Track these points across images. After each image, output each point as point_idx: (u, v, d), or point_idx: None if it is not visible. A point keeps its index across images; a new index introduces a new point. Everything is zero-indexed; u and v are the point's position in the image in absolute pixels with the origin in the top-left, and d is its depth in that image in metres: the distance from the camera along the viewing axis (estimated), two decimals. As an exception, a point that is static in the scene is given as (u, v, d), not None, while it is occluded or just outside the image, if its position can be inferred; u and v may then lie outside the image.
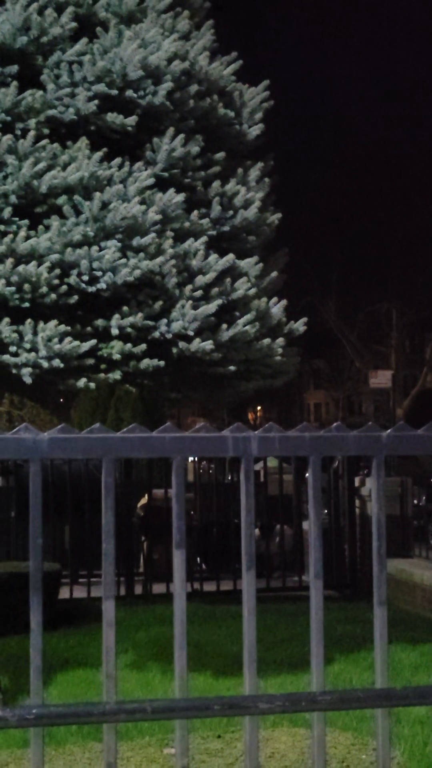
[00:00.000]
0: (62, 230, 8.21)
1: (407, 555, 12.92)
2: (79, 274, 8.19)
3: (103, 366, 8.32)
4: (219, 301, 8.49)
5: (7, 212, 8.22)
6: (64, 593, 11.97)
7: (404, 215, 37.83)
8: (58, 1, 8.80)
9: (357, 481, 13.48)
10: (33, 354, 7.98)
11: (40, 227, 8.31)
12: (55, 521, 12.63)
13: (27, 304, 8.11)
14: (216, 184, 9.06)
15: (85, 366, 8.22)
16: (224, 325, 8.58)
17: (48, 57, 8.76)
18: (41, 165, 8.29)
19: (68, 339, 8.04)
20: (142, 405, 20.79)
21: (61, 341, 8.00)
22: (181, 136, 8.82)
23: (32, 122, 8.53)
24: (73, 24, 8.77)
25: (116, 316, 8.28)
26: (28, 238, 8.18)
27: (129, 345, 8.24)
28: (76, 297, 8.24)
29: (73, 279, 8.19)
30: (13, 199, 8.27)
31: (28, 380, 8.00)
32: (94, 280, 8.22)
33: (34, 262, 8.07)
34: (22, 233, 8.17)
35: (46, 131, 8.56)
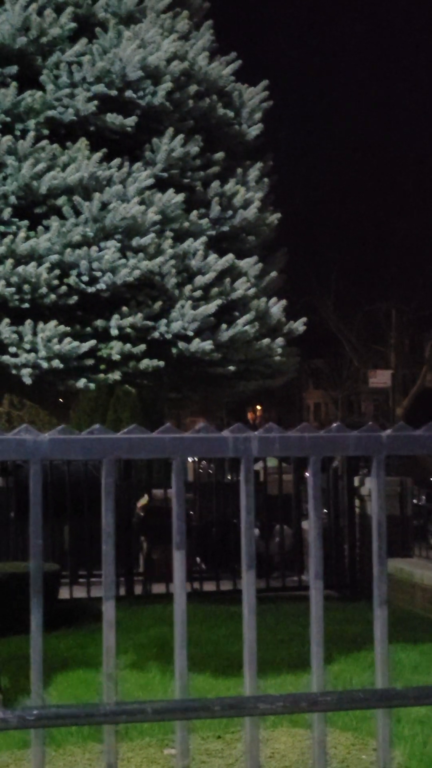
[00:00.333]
0: (62, 231, 8.21)
1: (407, 555, 12.92)
2: (79, 275, 8.19)
3: (102, 366, 8.32)
4: (218, 301, 8.49)
5: (7, 213, 8.22)
6: (63, 593, 11.97)
7: (403, 214, 37.82)
8: (57, 2, 8.80)
9: (357, 480, 13.48)
10: (32, 354, 7.98)
11: (40, 228, 8.31)
12: (55, 522, 12.63)
13: (27, 305, 8.11)
14: (215, 184, 9.07)
15: (85, 366, 8.22)
16: (224, 325, 8.58)
17: (47, 57, 8.76)
18: (41, 166, 8.29)
19: (68, 339, 8.04)
20: (141, 405, 20.79)
21: (60, 342, 8.00)
22: (181, 136, 8.82)
23: (32, 123, 8.53)
24: (73, 24, 8.77)
25: (116, 316, 8.28)
26: (27, 238, 8.18)
27: (128, 345, 8.25)
28: (75, 297, 8.24)
29: (72, 279, 8.19)
30: (12, 199, 8.27)
31: (27, 381, 8.00)
32: (93, 280, 8.22)
33: (33, 263, 8.07)
34: (22, 234, 8.17)
35: (45, 132, 8.56)
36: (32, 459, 2.44)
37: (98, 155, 8.48)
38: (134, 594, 12.67)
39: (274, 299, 9.27)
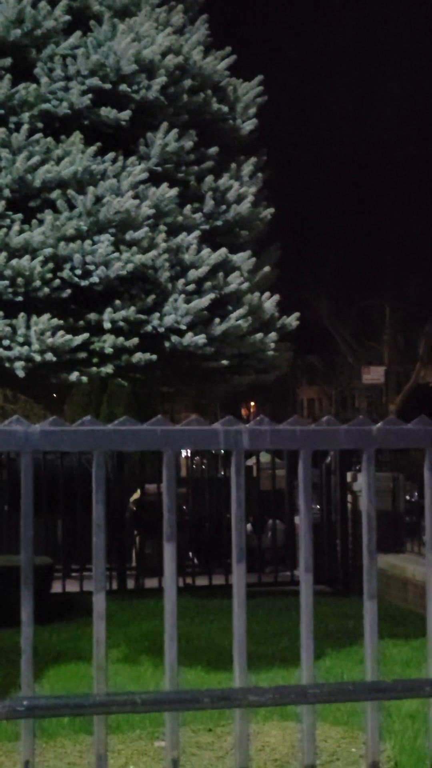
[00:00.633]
0: (56, 224, 8.21)
1: (399, 550, 12.93)
2: (72, 268, 8.19)
3: (95, 360, 8.32)
4: (211, 296, 8.50)
5: (1, 206, 8.22)
6: (56, 587, 11.97)
7: (398, 211, 37.83)
8: (52, -6, 8.80)
9: (349, 476, 13.49)
10: (26, 347, 7.98)
11: (34, 221, 8.31)
12: (48, 515, 12.62)
13: (20, 298, 8.12)
14: (209, 178, 9.07)
15: (78, 360, 8.23)
16: (217, 320, 8.59)
17: (41, 50, 8.76)
18: (35, 159, 8.29)
19: (61, 333, 8.04)
20: (134, 400, 20.78)
21: (53, 335, 8.01)
22: (175, 130, 8.82)
23: (26, 116, 8.53)
24: (67, 17, 8.77)
25: (109, 309, 8.28)
26: (21, 232, 8.18)
27: (121, 339, 8.25)
28: (69, 291, 8.24)
29: (66, 273, 8.19)
30: (6, 193, 8.27)
31: (20, 374, 8.00)
32: (87, 274, 8.22)
33: (27, 256, 8.07)
34: (16, 227, 8.17)
35: (39, 125, 8.56)
36: (23, 450, 2.45)
37: (92, 149, 8.48)
38: (126, 588, 12.67)
39: (267, 294, 9.28)
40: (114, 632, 9.30)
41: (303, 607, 2.55)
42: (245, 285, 8.87)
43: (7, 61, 8.64)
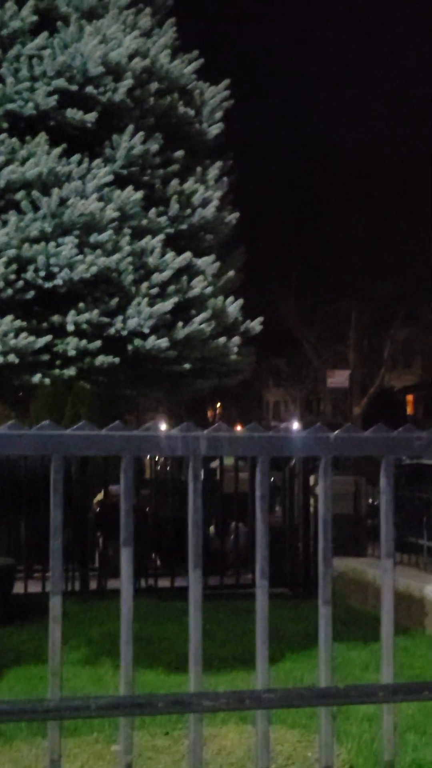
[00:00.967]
0: (20, 225, 8.19)
1: (360, 554, 13.00)
2: (36, 270, 8.17)
3: (58, 362, 8.31)
4: (175, 299, 8.51)
5: (-36, 206, 8.18)
6: (18, 588, 11.93)
7: (364, 215, 37.99)
8: (19, -5, 8.78)
9: (312, 479, 13.53)
10: (-12, 349, 7.95)
11: (-2, 222, 8.28)
12: (11, 516, 12.59)
13: (-17, 299, 8.09)
14: (174, 182, 9.08)
15: (41, 362, 8.21)
16: (180, 323, 8.60)
17: (7, 50, 8.73)
18: (-1, 159, 8.26)
19: (24, 334, 8.02)
20: (99, 402, 20.74)
21: (16, 336, 7.98)
22: (141, 133, 8.83)
23: (-9, 116, 8.50)
24: (34, 18, 8.75)
25: (72, 312, 8.27)
26: (-16, 232, 8.15)
27: (84, 341, 8.24)
28: (32, 292, 8.22)
29: (29, 274, 8.17)
30: (-30, 193, 8.24)
31: (-18, 375, 7.97)
32: (50, 276, 8.21)
33: (-10, 257, 8.04)
34: (-21, 228, 8.14)
35: (4, 125, 8.54)
36: (-20, 455, 2.45)
37: (58, 150, 8.46)
38: (89, 589, 12.65)
39: (231, 298, 9.30)
40: (75, 633, 9.30)
41: (258, 612, 2.57)
42: (209, 289, 8.88)
43: (-27, 61, 8.62)
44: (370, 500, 14.31)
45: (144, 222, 8.74)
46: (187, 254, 8.75)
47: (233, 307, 9.26)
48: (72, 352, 8.22)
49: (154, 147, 8.95)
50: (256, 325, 9.55)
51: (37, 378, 8.25)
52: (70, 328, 8.24)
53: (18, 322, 8.04)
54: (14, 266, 8.11)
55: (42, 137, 8.53)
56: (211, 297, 8.95)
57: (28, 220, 8.24)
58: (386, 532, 2.67)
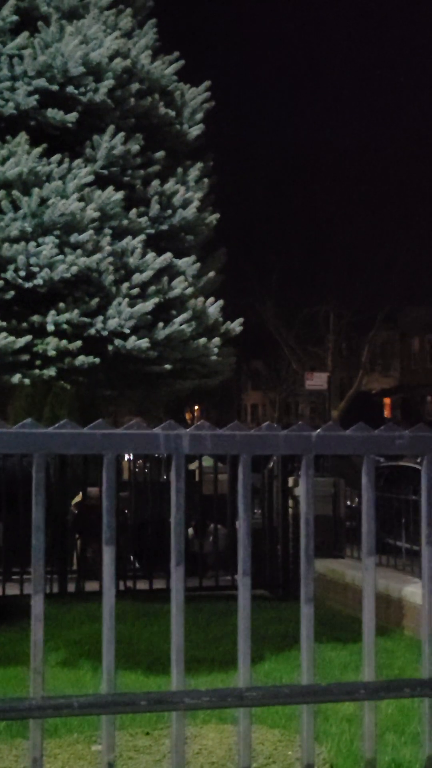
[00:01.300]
0: (0, 225, 8.16)
1: (339, 555, 13.03)
2: (16, 270, 8.15)
3: (38, 362, 8.29)
4: (156, 300, 8.50)
5: None
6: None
7: (344, 218, 38.11)
8: (0, -6, 8.76)
9: (291, 481, 13.54)
10: (-32, 349, 7.92)
11: (-23, 221, 8.25)
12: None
13: (-38, 299, 8.06)
14: (155, 183, 9.08)
15: (20, 362, 8.18)
16: (160, 324, 8.59)
17: (-12, 50, 8.70)
18: (-21, 159, 8.24)
19: (3, 334, 7.99)
20: (78, 403, 20.69)
21: (-4, 337, 7.96)
22: (122, 134, 8.82)
23: (-29, 115, 8.47)
24: (14, 17, 8.73)
25: (52, 312, 8.25)
26: (-36, 232, 8.12)
27: (64, 341, 8.22)
28: (12, 292, 8.20)
29: (9, 274, 8.14)
30: None
31: (-38, 375, 7.94)
32: (30, 275, 8.18)
33: (-30, 257, 8.02)
34: (-41, 227, 8.11)
35: (-16, 125, 8.51)
36: (-38, 452, 2.44)
37: (38, 150, 8.45)
38: (67, 591, 12.61)
39: (211, 299, 9.30)
40: (54, 635, 9.27)
41: (240, 609, 2.57)
42: (189, 290, 8.88)
43: None
44: (348, 502, 14.33)
45: (124, 222, 8.74)
46: (168, 255, 8.75)
47: (213, 308, 9.26)
48: (52, 353, 8.20)
49: (134, 147, 8.95)
50: (236, 326, 9.56)
51: (16, 378, 8.23)
52: (51, 328, 8.22)
53: (-3, 322, 8.02)
54: (-6, 266, 8.10)
55: (22, 137, 8.51)
56: (191, 298, 8.95)
57: (8, 220, 8.22)
58: (367, 531, 2.67)
